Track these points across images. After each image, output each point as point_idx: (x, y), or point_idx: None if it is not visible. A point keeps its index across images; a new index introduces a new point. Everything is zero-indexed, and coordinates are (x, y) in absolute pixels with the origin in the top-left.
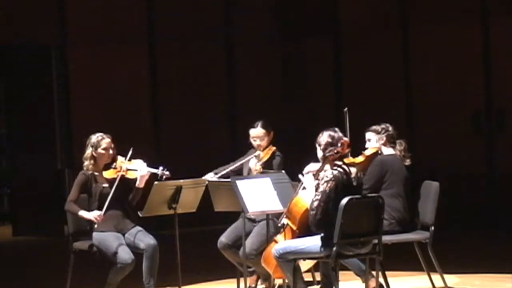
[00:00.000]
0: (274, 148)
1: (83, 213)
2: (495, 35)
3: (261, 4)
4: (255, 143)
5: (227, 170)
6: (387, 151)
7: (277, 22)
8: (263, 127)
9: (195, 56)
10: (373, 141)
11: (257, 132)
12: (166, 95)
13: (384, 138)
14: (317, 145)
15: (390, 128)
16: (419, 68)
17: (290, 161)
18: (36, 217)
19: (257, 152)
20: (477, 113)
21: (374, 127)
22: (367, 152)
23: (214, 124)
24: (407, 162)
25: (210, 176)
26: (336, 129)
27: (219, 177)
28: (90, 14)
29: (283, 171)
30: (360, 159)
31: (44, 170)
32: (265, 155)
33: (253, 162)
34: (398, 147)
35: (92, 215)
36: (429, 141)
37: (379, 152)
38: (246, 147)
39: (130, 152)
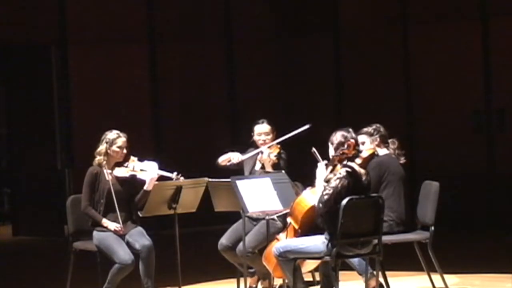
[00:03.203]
0: (278, 145)
1: (105, 222)
2: (495, 35)
3: (261, 3)
4: (260, 138)
5: (250, 154)
6: (382, 151)
7: (277, 21)
8: (269, 123)
9: (195, 56)
10: (367, 143)
11: (263, 128)
12: (166, 95)
13: (378, 139)
14: (329, 144)
15: (382, 129)
16: (419, 68)
17: (290, 160)
18: (36, 217)
19: (263, 148)
20: (477, 113)
21: (365, 130)
22: (364, 154)
23: (214, 124)
24: (402, 160)
25: (238, 157)
26: (350, 129)
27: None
28: (90, 14)
29: (283, 171)
30: (357, 161)
31: (44, 170)
32: (275, 150)
33: (266, 154)
34: (391, 146)
35: (113, 226)
36: (429, 141)
37: (375, 153)
38: (246, 147)
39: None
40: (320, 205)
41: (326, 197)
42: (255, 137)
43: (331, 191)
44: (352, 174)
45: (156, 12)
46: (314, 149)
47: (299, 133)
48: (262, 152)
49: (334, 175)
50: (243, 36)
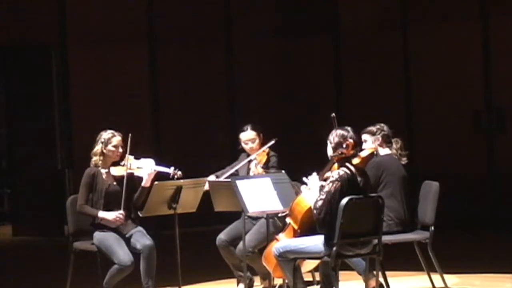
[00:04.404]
0: (267, 149)
1: (103, 214)
2: (495, 35)
3: (261, 3)
4: (247, 146)
5: (227, 174)
6: (384, 151)
7: (277, 21)
8: (253, 129)
9: (195, 56)
10: (369, 142)
11: (248, 135)
12: (166, 95)
13: (380, 139)
14: (328, 142)
15: (385, 128)
16: (419, 68)
17: (290, 159)
18: (36, 217)
19: (253, 156)
20: (477, 113)
21: (369, 129)
22: (363, 154)
23: (214, 124)
24: (404, 160)
25: (210, 179)
26: (349, 128)
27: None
28: (90, 14)
29: (283, 171)
30: (356, 161)
31: (44, 170)
32: (262, 158)
33: (253, 165)
34: (394, 145)
35: (112, 216)
36: (429, 141)
37: (375, 153)
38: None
39: (129, 139)
40: (316, 211)
41: (320, 202)
42: (243, 145)
43: (325, 195)
44: (346, 176)
45: (156, 13)
46: (333, 115)
47: (269, 147)
48: (251, 161)
49: (332, 176)
50: (243, 36)
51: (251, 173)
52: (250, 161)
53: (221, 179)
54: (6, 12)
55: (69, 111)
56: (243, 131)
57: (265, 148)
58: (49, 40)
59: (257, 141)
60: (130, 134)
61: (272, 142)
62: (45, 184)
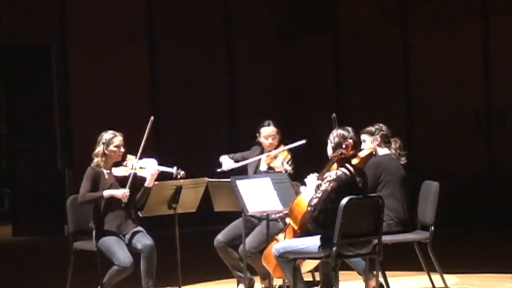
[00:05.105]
0: (285, 147)
1: (109, 192)
2: (495, 35)
3: (261, 3)
4: (266, 142)
5: (240, 164)
6: (382, 151)
7: (277, 21)
8: (275, 125)
9: (195, 56)
10: (368, 142)
11: (270, 131)
12: (166, 95)
13: (379, 139)
14: (328, 142)
15: (384, 128)
16: (419, 68)
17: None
18: (36, 217)
19: (273, 153)
20: (477, 112)
21: (367, 129)
22: (362, 154)
23: (214, 124)
24: (403, 160)
25: (226, 159)
26: (349, 129)
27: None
28: (90, 14)
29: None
30: (355, 161)
31: (44, 170)
32: (286, 156)
33: (279, 161)
34: (393, 145)
35: (121, 192)
36: (429, 141)
37: (374, 153)
38: (246, 147)
39: (149, 122)
40: (310, 208)
41: (315, 200)
42: (262, 140)
43: (321, 194)
44: (344, 176)
45: (156, 12)
46: (334, 115)
47: (295, 147)
48: (268, 156)
49: (330, 176)
50: (243, 36)
51: (262, 165)
52: (259, 159)
53: (228, 167)
54: (6, 12)
55: (69, 111)
56: (264, 126)
57: (290, 147)
58: (49, 40)
59: (277, 137)
60: (152, 117)
61: (302, 142)
62: (45, 184)
